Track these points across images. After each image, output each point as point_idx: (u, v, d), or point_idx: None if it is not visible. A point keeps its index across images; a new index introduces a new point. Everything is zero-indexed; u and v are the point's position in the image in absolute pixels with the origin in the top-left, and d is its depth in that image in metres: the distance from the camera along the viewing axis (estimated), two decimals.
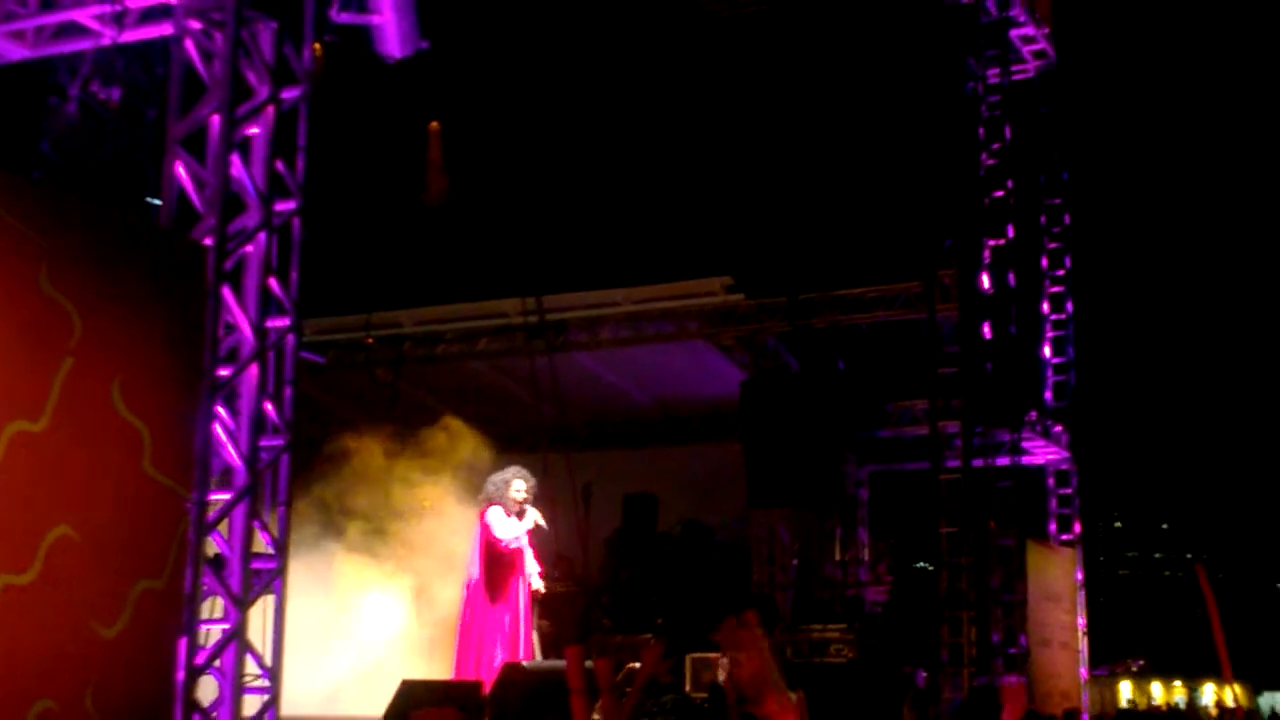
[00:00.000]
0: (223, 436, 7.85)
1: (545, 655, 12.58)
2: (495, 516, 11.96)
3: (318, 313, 15.96)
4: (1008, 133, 15.49)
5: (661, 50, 17.47)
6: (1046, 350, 17.81)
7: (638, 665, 9.78)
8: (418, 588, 13.24)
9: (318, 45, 8.89)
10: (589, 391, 18.51)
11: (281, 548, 8.34)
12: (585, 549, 15.26)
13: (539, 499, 12.49)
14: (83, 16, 8.71)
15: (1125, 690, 28.50)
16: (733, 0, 16.20)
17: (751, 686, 4.14)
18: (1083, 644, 17.96)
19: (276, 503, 8.44)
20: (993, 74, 15.63)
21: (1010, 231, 15.16)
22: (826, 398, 16.99)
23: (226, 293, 7.90)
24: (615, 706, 5.41)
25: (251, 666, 7.98)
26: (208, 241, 7.78)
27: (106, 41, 8.44)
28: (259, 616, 8.14)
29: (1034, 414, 16.80)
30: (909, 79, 15.47)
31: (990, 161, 15.31)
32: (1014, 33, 16.19)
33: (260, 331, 8.17)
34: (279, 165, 8.45)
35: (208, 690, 7.69)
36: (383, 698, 9.77)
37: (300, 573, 9.57)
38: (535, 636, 12.54)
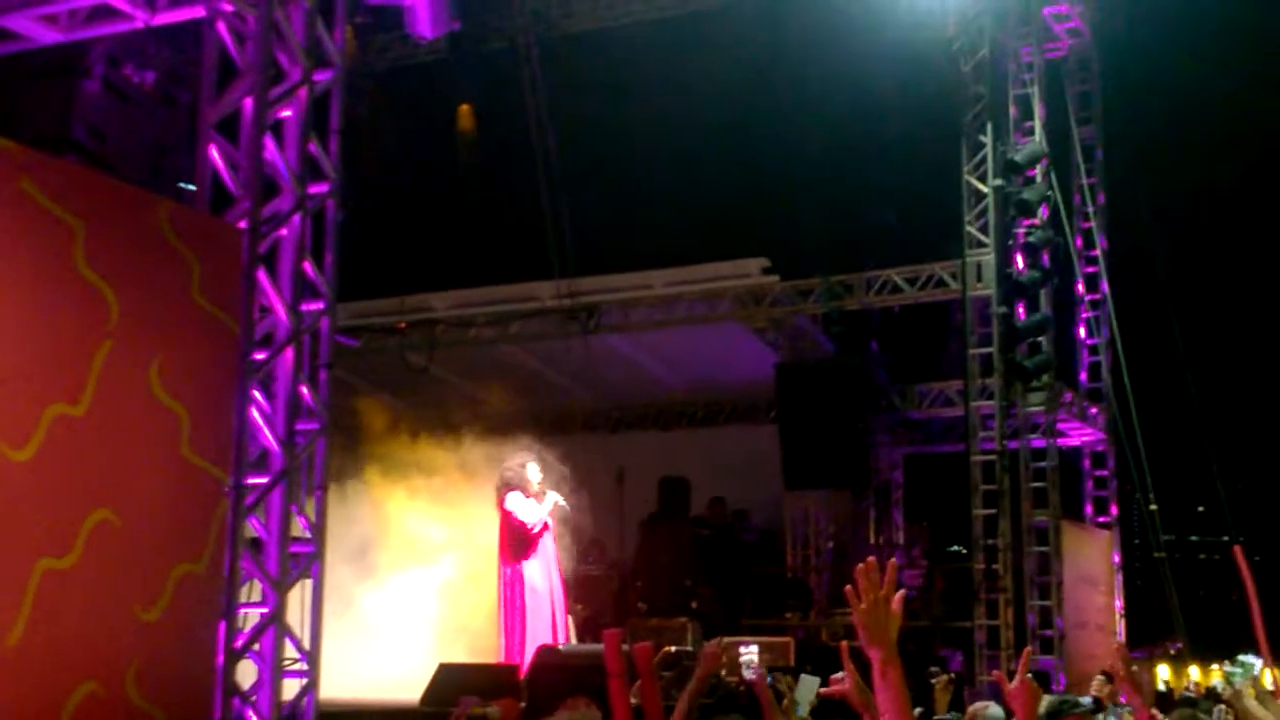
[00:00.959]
0: (259, 420, 7.85)
1: (581, 639, 12.58)
2: (515, 502, 11.93)
3: (349, 297, 15.98)
4: (1041, 112, 15.35)
5: (695, 32, 17.39)
6: (1081, 331, 17.67)
7: (674, 649, 9.75)
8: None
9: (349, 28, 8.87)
10: (622, 375, 18.49)
11: (318, 531, 8.35)
12: (620, 532, 15.25)
13: (573, 482, 12.49)
14: (115, 0, 8.71)
15: (1163, 673, 28.33)
16: None
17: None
18: (1120, 626, 17.84)
19: (313, 486, 8.44)
20: (1026, 52, 15.47)
21: (1044, 211, 15.02)
22: (860, 380, 16.92)
23: (261, 276, 7.89)
24: (654, 690, 5.38)
25: (290, 650, 7.98)
26: (242, 225, 7.77)
27: (139, 24, 8.42)
28: (297, 600, 8.14)
29: (1069, 395, 16.66)
30: (944, 61, 15.35)
31: (1024, 141, 15.16)
32: (1047, 10, 16.01)
33: (295, 314, 8.16)
34: (312, 148, 8.43)
35: (247, 674, 7.71)
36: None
37: None
38: (570, 619, 12.55)
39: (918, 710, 6.59)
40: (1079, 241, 17.27)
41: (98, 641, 6.45)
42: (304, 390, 8.28)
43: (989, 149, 14.95)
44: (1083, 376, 17.64)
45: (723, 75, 17.55)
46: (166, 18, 8.56)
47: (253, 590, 7.86)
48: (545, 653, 10.69)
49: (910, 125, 17.10)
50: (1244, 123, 24.02)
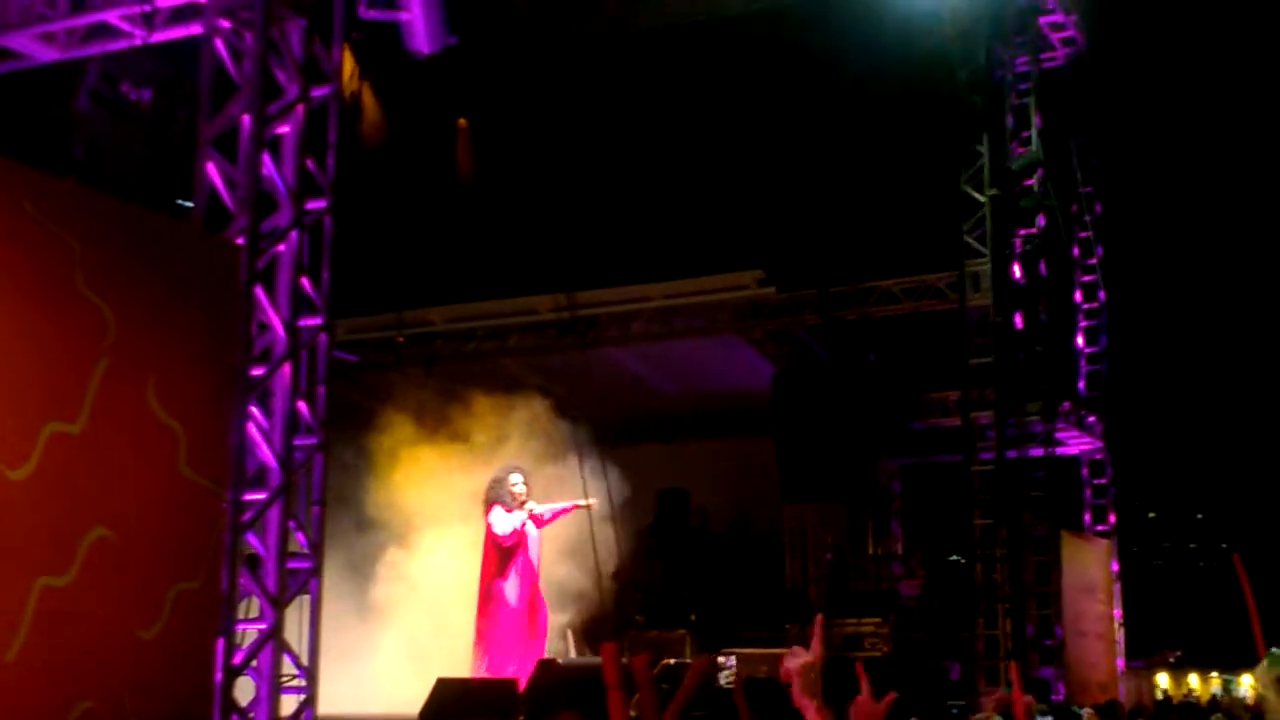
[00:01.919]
0: (257, 436, 7.85)
1: (579, 652, 12.56)
2: (496, 516, 11.97)
3: (348, 312, 15.97)
4: (1037, 121, 15.37)
5: (691, 45, 17.41)
6: (1079, 340, 17.68)
7: (673, 661, 9.76)
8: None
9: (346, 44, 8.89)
10: (620, 386, 18.50)
11: (316, 547, 8.34)
12: (618, 545, 15.21)
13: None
14: (112, 17, 8.72)
15: (1162, 681, 28.30)
16: None
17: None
18: (1119, 635, 17.82)
19: (311, 502, 8.44)
20: (1021, 62, 15.50)
21: (1041, 221, 15.04)
22: (858, 390, 16.93)
23: (259, 292, 7.90)
24: (653, 702, 5.37)
25: (288, 666, 7.98)
26: (240, 241, 7.78)
27: (137, 42, 8.44)
28: (295, 616, 8.14)
29: (1067, 404, 16.67)
30: (938, 70, 15.37)
31: (1020, 150, 15.18)
32: (1043, 19, 16.03)
33: (293, 330, 8.17)
34: (309, 164, 8.45)
35: (245, 691, 7.70)
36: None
37: None
38: (570, 633, 12.53)
39: None
40: (1076, 250, 17.29)
41: (96, 659, 6.44)
42: (302, 406, 8.29)
43: (985, 158, 14.98)
44: (1080, 385, 17.66)
45: (719, 88, 17.58)
46: (164, 35, 8.59)
47: (251, 607, 7.86)
48: (544, 666, 10.67)
49: (906, 135, 17.12)
50: (1240, 130, 24.05)
